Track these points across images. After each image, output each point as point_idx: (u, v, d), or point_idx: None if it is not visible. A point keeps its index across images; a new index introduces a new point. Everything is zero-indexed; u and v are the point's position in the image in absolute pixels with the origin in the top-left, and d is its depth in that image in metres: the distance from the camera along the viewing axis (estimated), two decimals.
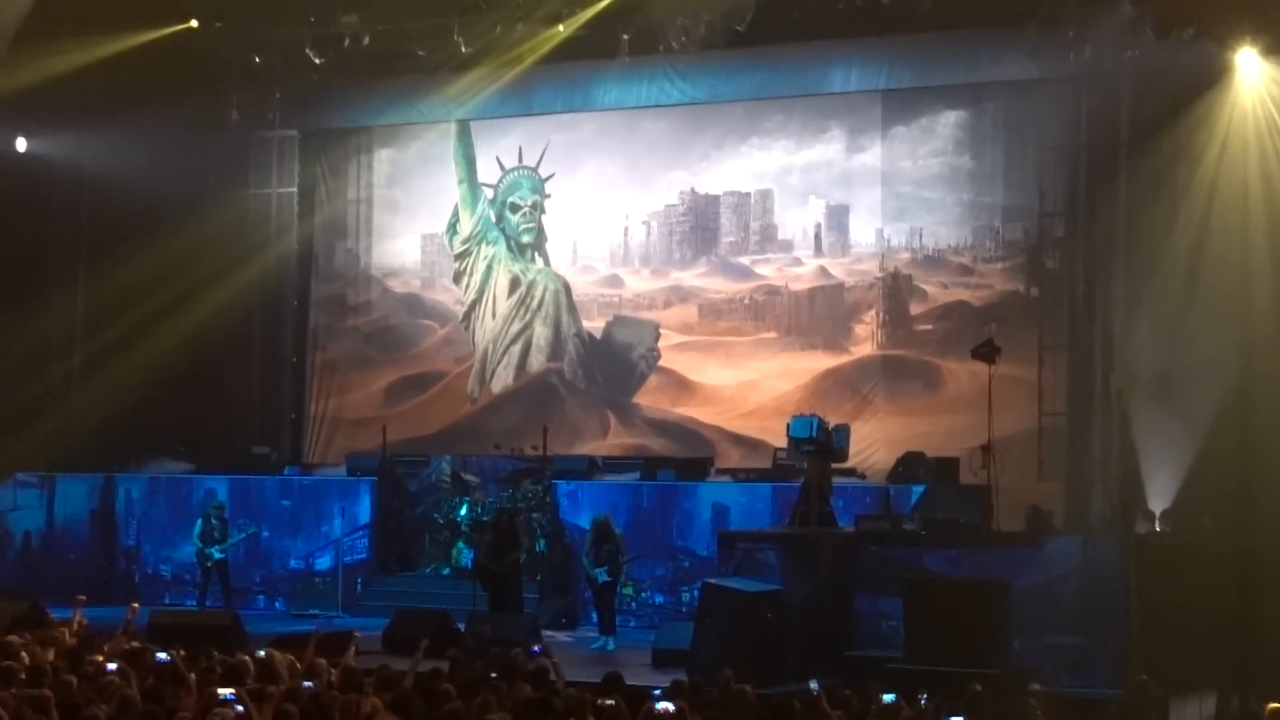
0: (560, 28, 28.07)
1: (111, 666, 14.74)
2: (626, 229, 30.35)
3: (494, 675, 15.17)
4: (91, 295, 31.51)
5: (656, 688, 15.32)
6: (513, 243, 31.09)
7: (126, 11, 28.04)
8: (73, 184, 31.65)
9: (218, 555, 26.41)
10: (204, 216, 31.88)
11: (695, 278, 29.87)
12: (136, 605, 18.42)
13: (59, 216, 31.83)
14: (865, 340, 28.42)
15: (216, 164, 32.26)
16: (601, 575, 23.44)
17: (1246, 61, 23.90)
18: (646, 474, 26.71)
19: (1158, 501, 23.61)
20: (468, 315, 31.39)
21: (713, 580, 21.62)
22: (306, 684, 14.29)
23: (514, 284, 31.01)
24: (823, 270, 28.89)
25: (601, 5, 27.65)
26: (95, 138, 31.00)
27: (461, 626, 22.21)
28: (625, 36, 28.25)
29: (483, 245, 31.30)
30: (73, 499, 29.14)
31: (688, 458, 27.54)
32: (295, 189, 32.36)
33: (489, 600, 23.13)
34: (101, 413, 30.23)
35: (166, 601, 27.59)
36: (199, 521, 26.70)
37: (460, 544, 26.78)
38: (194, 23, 29.00)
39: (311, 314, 32.52)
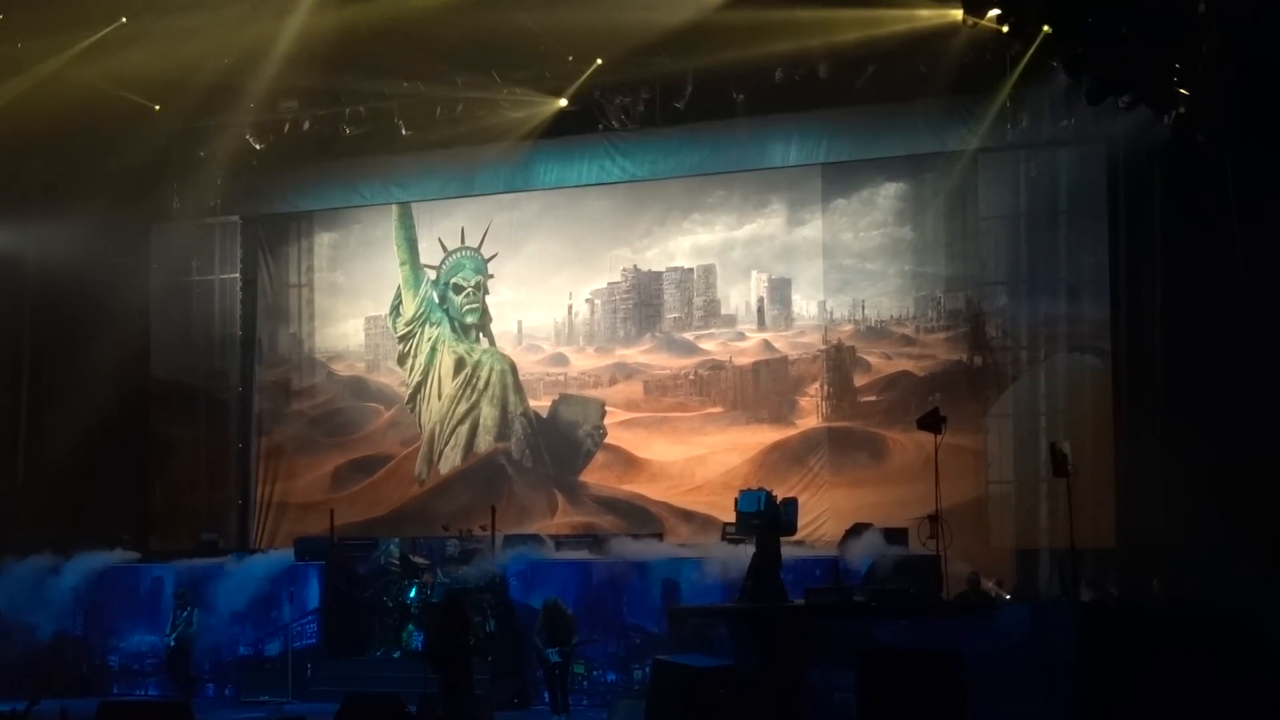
0: (501, 103, 28.24)
1: None
2: (570, 307, 30.25)
3: None
4: (35, 385, 31.28)
5: None
6: (457, 323, 30.99)
7: (65, 96, 27.78)
8: (15, 275, 31.38)
9: (172, 643, 26.09)
10: (148, 304, 31.81)
11: (640, 354, 29.80)
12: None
13: (2, 308, 31.54)
14: (810, 413, 28.32)
15: (160, 252, 32.17)
16: (553, 655, 23.18)
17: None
18: (596, 551, 26.41)
19: (1105, 566, 23.54)
20: (413, 397, 31.23)
21: (664, 657, 21.31)
22: None
23: (459, 364, 30.87)
24: (766, 344, 28.85)
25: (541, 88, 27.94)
26: (36, 228, 30.77)
27: (413, 710, 21.87)
28: (563, 103, 28.29)
29: (426, 326, 31.19)
30: (17, 589, 28.56)
31: (636, 534, 27.34)
32: (238, 275, 32.24)
33: (440, 683, 22.65)
34: (47, 502, 29.89)
35: (115, 692, 27.01)
36: (170, 613, 26.45)
37: (410, 626, 26.43)
38: (156, 106, 28.93)
39: (256, 399, 32.28)
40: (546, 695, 23.88)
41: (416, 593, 26.53)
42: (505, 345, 30.69)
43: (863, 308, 28.11)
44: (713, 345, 29.27)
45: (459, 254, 30.99)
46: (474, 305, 30.88)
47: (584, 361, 30.21)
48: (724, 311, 29.27)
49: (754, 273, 29.08)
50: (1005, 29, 23.66)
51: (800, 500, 24.24)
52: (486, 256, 30.78)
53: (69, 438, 30.17)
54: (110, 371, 30.49)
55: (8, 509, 30.52)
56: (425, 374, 31.14)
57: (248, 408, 32.23)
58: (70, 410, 30.15)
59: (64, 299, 30.50)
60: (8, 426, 31.52)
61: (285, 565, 27.48)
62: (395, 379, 31.50)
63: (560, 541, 27.41)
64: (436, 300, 31.14)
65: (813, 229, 28.55)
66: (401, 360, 31.42)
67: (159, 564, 28.36)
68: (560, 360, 30.33)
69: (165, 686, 26.69)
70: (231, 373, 32.23)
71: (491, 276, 30.75)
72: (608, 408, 29.81)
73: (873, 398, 27.95)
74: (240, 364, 32.19)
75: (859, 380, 28.07)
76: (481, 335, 30.86)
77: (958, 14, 23.69)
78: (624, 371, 29.83)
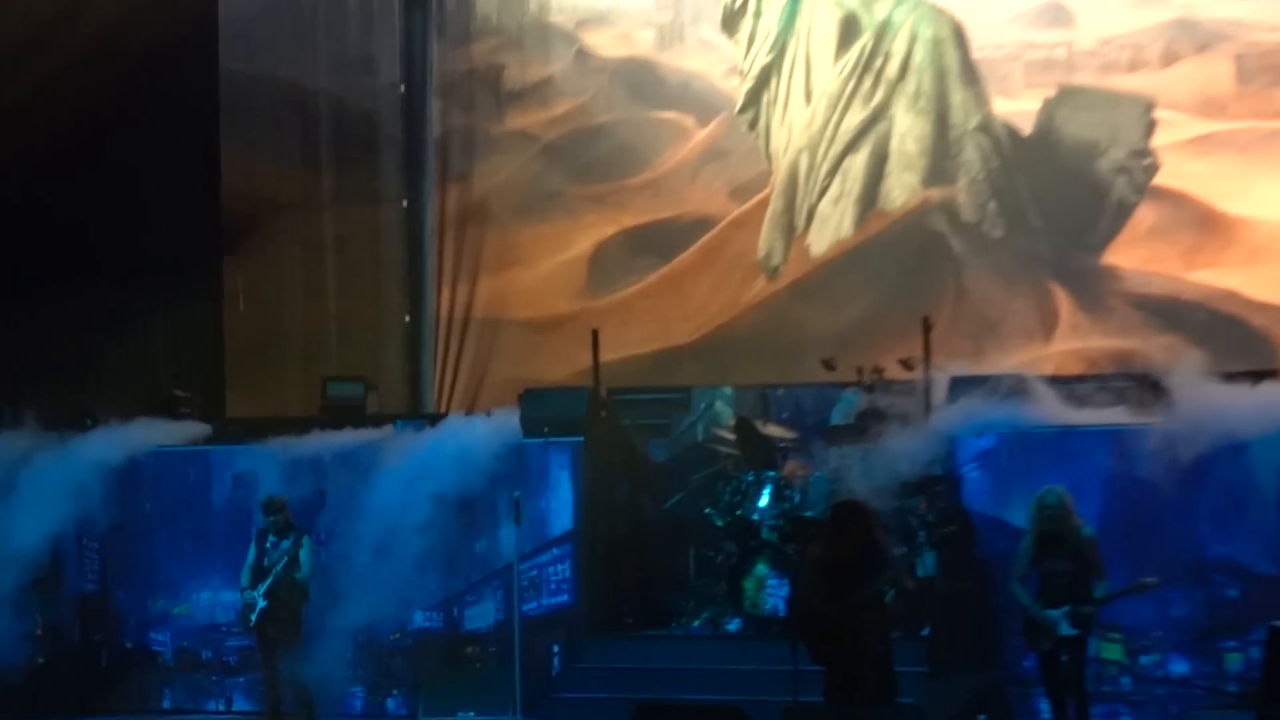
0: None
1: None
2: None
3: None
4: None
5: None
6: None
7: None
8: None
9: (261, 603, 26.02)
10: None
11: None
12: None
13: None
14: None
15: None
16: (1060, 624, 22.68)
17: None
18: (1139, 408, 25.96)
19: None
20: (754, 98, 31.39)
21: None
22: None
23: (847, 29, 30.94)
24: None
25: None
26: None
27: None
28: None
29: None
30: None
31: (1226, 372, 26.82)
32: None
33: (826, 678, 22.54)
34: (27, 332, 30.42)
35: (166, 706, 27.59)
36: (252, 543, 26.45)
37: (760, 567, 26.32)
38: None
39: (435, 110, 32.64)
40: (1045, 705, 23.47)
41: (772, 497, 26.41)
42: None
43: None
44: None
45: None
46: None
47: (1105, 18, 30.00)
48: None
49: None
50: None
51: None
52: None
53: (63, 205, 30.41)
54: (137, 64, 30.57)
55: None
56: (778, 51, 31.28)
57: (419, 129, 32.61)
58: (50, 137, 30.34)
59: None
60: None
61: (503, 446, 27.47)
62: (717, 62, 31.90)
63: (1067, 388, 26.97)
64: None
65: None
66: (729, 23, 31.45)
67: (248, 445, 28.61)
68: (1056, 14, 30.27)
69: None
70: (383, 60, 32.71)
71: None
72: (1158, 112, 29.46)
73: None
74: (401, 39, 32.70)
75: None
76: None
77: None
78: (1192, 35, 29.61)
